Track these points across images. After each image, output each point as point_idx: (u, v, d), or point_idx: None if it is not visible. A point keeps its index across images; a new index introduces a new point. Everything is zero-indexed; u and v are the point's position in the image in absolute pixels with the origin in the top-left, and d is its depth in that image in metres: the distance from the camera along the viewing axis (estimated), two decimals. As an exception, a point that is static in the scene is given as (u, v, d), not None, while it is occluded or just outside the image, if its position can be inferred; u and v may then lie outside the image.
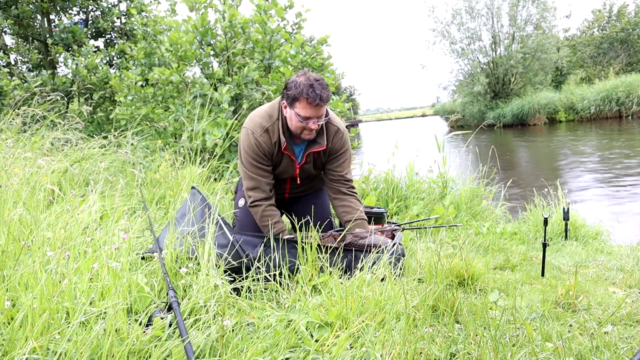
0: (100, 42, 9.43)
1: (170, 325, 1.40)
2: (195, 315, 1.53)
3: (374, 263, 2.05)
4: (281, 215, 2.79)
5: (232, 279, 1.92)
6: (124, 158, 3.89)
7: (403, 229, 2.80)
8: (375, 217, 2.89)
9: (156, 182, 3.49)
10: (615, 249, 3.24)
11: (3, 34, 8.33)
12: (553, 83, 29.67)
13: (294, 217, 2.59)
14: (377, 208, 3.02)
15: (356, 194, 2.55)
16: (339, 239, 2.21)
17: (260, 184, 2.38)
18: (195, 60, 5.14)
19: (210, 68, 5.28)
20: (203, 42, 5.12)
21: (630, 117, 21.43)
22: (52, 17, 8.42)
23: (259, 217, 2.39)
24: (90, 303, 1.43)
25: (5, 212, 1.91)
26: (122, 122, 5.54)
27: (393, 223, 2.96)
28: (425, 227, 3.21)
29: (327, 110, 2.40)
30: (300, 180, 2.55)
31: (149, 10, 7.91)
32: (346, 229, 2.34)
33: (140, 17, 8.11)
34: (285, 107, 2.28)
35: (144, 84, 5.88)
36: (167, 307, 1.52)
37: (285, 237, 2.17)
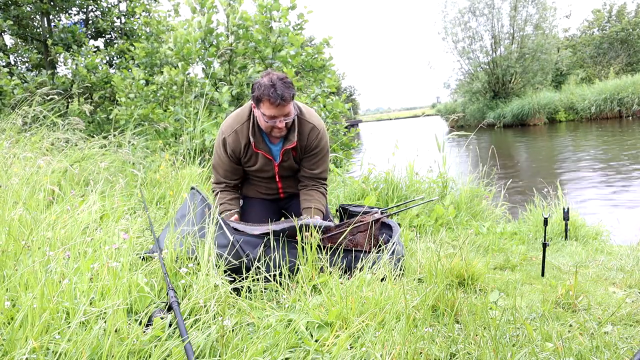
0: (100, 42, 9.43)
1: (170, 325, 1.40)
2: (195, 315, 1.53)
3: (374, 263, 2.05)
4: (280, 215, 2.79)
5: (232, 279, 1.92)
6: (124, 158, 3.90)
7: (389, 215, 2.81)
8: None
9: (156, 182, 3.49)
10: (615, 249, 3.24)
11: (2, 34, 8.33)
12: (553, 83, 29.69)
13: (293, 217, 2.58)
14: (377, 208, 3.01)
15: (326, 191, 2.59)
16: (340, 239, 2.21)
17: (224, 181, 2.51)
18: (198, 60, 5.16)
19: (212, 68, 5.30)
20: (206, 42, 5.14)
21: (630, 117, 21.44)
22: (51, 17, 8.42)
23: (215, 201, 2.53)
24: (90, 303, 1.43)
25: (5, 212, 1.91)
26: (122, 122, 5.55)
27: (378, 209, 2.94)
28: (407, 208, 3.25)
29: (300, 107, 2.44)
30: (285, 177, 2.58)
31: (154, 10, 7.92)
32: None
33: (143, 16, 8.12)
34: (254, 107, 2.31)
35: (145, 83, 5.89)
36: (167, 307, 1.52)
37: (231, 222, 2.19)
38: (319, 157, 2.51)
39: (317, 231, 2.08)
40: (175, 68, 5.16)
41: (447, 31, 29.15)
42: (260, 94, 2.18)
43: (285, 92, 2.16)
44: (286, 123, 2.27)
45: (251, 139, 2.35)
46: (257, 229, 2.11)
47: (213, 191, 2.57)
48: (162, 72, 5.34)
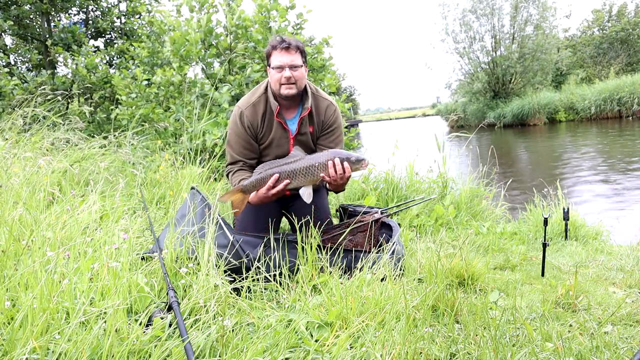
0: (100, 42, 9.43)
1: (170, 325, 1.40)
2: (195, 315, 1.53)
3: (374, 263, 2.06)
4: (281, 215, 2.79)
5: (232, 279, 1.92)
6: (124, 158, 3.90)
7: (389, 215, 2.81)
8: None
9: (156, 182, 3.49)
10: (615, 249, 3.25)
11: (3, 34, 8.33)
12: (553, 83, 29.68)
13: (294, 217, 2.58)
14: (377, 208, 3.01)
15: None
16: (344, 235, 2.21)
17: (240, 159, 2.49)
18: (198, 60, 5.16)
19: (212, 68, 5.29)
20: (205, 42, 5.13)
21: (630, 117, 21.43)
22: (51, 17, 8.42)
23: (230, 180, 2.50)
24: (90, 303, 1.43)
25: (6, 212, 1.91)
26: (123, 122, 5.54)
27: (378, 209, 2.94)
28: (407, 207, 3.26)
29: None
30: None
31: (156, 10, 7.92)
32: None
33: (145, 16, 8.11)
34: (268, 71, 2.42)
35: (146, 83, 5.89)
36: (167, 307, 1.52)
37: (245, 183, 2.22)
38: (336, 134, 2.58)
39: (353, 163, 2.14)
40: (172, 69, 5.15)
41: (448, 32, 29.23)
42: (269, 46, 2.37)
43: (291, 40, 2.34)
44: (295, 81, 2.33)
45: (274, 105, 2.41)
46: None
47: (227, 174, 2.53)
48: (160, 72, 5.33)
